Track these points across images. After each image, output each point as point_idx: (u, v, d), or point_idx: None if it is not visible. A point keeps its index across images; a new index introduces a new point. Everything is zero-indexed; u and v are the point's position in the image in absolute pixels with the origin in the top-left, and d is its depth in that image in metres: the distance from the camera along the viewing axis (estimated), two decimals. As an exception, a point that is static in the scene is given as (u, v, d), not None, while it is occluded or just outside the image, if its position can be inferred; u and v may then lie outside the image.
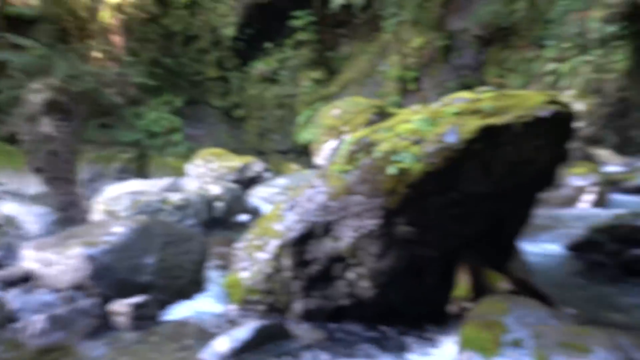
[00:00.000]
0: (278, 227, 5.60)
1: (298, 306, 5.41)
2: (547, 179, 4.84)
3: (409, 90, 18.24)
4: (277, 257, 5.42)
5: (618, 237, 6.31)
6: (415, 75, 18.18)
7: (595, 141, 14.12)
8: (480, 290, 4.96)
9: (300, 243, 5.32)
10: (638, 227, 6.13)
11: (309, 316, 5.38)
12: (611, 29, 13.44)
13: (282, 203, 6.00)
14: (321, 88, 19.84)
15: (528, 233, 8.61)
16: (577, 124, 13.88)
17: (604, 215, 7.64)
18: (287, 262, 5.37)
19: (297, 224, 5.40)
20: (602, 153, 13.47)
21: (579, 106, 14.15)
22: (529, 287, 5.28)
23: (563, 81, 14.44)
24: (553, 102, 4.21)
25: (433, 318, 5.27)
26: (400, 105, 16.58)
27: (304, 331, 5.26)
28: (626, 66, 13.62)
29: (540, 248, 7.71)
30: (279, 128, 20.01)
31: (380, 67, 19.24)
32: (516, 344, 3.80)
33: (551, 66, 14.51)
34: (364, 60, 19.95)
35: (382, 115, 12.34)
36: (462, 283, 5.00)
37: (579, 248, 7.00)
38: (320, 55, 20.32)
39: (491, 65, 16.45)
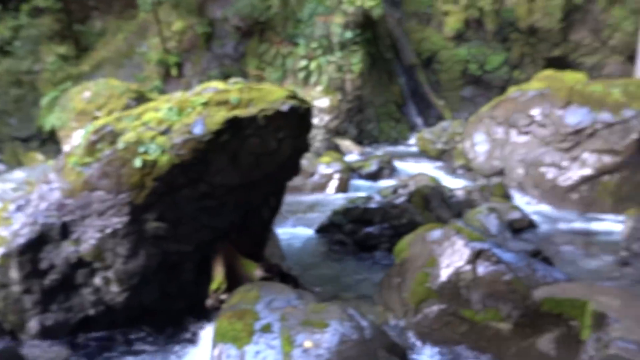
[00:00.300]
0: (3, 232, 4.67)
1: (33, 324, 4.62)
2: (292, 168, 5.19)
3: (172, 75, 17.54)
4: (1, 269, 4.51)
5: (353, 218, 7.25)
6: (177, 60, 17.56)
7: (339, 133, 16.06)
8: (236, 281, 5.05)
9: (31, 250, 4.52)
10: (368, 208, 7.16)
11: (48, 333, 4.64)
12: (349, 34, 15.44)
13: (10, 203, 5.02)
14: (70, 66, 17.40)
15: (282, 219, 9.35)
16: (324, 118, 15.32)
17: (346, 199, 8.70)
18: (14, 274, 4.51)
19: (27, 227, 4.57)
20: (345, 143, 15.42)
21: (325, 101, 15.86)
22: (281, 272, 5.63)
23: (313, 78, 15.97)
24: (292, 97, 4.50)
25: (193, 313, 5.16)
26: (162, 91, 15.79)
27: (42, 351, 4.54)
28: (361, 68, 15.85)
29: (294, 232, 8.37)
30: (17, 110, 16.80)
31: (139, 48, 17.95)
32: (266, 329, 3.98)
33: (303, 63, 15.88)
34: (121, 39, 18.30)
35: (140, 100, 11.52)
36: (218, 275, 5.01)
37: (324, 230, 7.80)
38: (67, 28, 17.78)
39: (251, 57, 17.06)
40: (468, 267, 4.43)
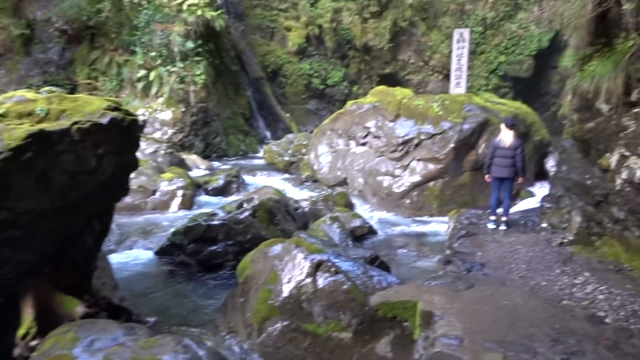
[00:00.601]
0: None
1: None
2: (118, 187, 4.65)
3: (-21, 83, 14.96)
4: None
5: (195, 237, 6.84)
6: (-13, 65, 15.06)
7: (185, 147, 15.33)
8: (52, 322, 4.31)
9: None
10: (211, 225, 6.82)
11: None
12: (190, 44, 14.86)
13: None
14: None
15: (118, 243, 8.50)
16: (167, 131, 14.44)
17: (190, 216, 8.21)
18: None
19: None
20: (191, 158, 14.75)
21: (168, 114, 15.03)
22: (110, 305, 5.01)
23: (153, 89, 15.01)
24: (115, 108, 4.01)
25: (-1, 368, 4.31)
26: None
27: None
28: (205, 80, 15.35)
29: (131, 256, 7.62)
30: None
31: None
32: (86, 375, 3.44)
33: (141, 72, 14.82)
34: None
35: None
36: (27, 318, 4.23)
37: (165, 251, 7.25)
38: None
39: (81, 65, 15.39)
40: (309, 280, 4.41)
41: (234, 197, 10.76)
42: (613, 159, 5.27)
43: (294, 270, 4.48)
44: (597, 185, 5.59)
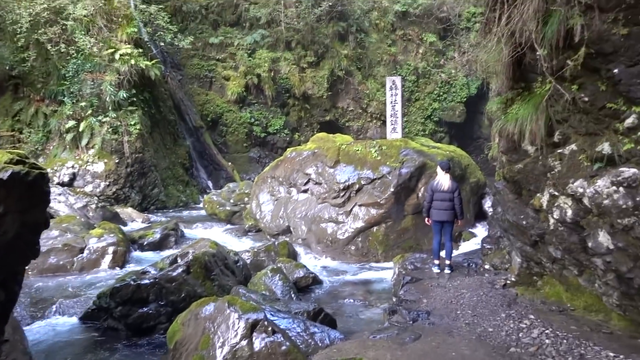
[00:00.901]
0: None
1: None
2: (25, 249, 4.13)
3: None
4: None
5: (123, 299, 6.25)
6: None
7: (120, 200, 14.54)
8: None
9: None
10: (141, 285, 6.27)
11: None
12: (123, 94, 14.37)
13: None
14: None
15: (37, 310, 7.65)
16: (100, 184, 13.65)
17: (118, 276, 7.58)
18: None
19: None
20: (127, 211, 13.97)
21: (100, 166, 14.29)
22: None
23: (84, 140, 14.28)
24: (19, 161, 3.60)
25: None
26: None
27: None
28: (140, 129, 14.81)
29: (52, 324, 6.85)
30: None
31: None
32: None
33: (70, 123, 14.10)
34: None
35: None
36: None
37: (90, 316, 6.57)
38: None
39: (3, 116, 14.43)
40: (244, 343, 4.03)
41: (171, 251, 10.16)
42: (544, 199, 5.37)
43: (227, 332, 4.09)
44: (532, 226, 5.66)
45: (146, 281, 6.30)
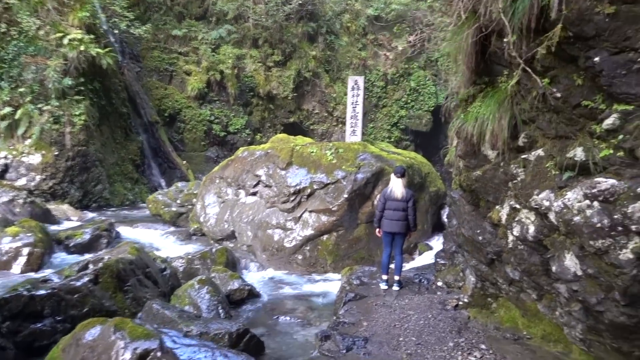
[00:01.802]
0: None
1: None
2: None
3: None
4: None
5: (12, 312, 5.25)
6: None
7: (57, 195, 13.36)
8: None
9: None
10: (35, 296, 5.29)
11: None
12: (68, 81, 13.24)
13: None
14: None
15: None
16: (35, 177, 12.43)
17: (10, 285, 6.51)
18: None
19: None
20: (62, 208, 12.80)
21: (36, 157, 13.11)
22: None
23: (20, 129, 13.08)
24: None
25: None
26: None
27: None
28: (85, 121, 13.67)
29: None
30: None
31: None
32: None
33: (6, 110, 12.87)
34: None
35: None
36: None
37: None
38: None
39: None
40: (122, 381, 3.18)
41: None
42: (503, 212, 4.71)
43: (104, 366, 3.23)
44: (489, 242, 4.99)
45: (42, 292, 5.33)
